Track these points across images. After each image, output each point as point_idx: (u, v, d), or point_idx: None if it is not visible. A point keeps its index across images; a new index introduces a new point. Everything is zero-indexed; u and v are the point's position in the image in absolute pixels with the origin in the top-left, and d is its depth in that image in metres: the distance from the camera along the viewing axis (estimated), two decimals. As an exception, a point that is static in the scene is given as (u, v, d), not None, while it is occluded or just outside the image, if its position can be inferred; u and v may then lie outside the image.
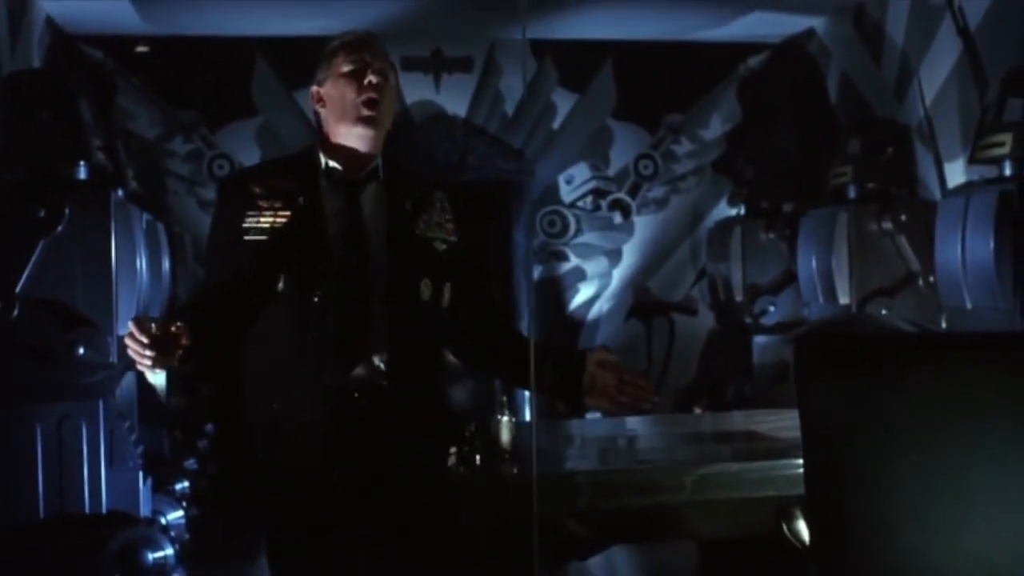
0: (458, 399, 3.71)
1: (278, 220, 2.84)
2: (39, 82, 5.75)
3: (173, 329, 2.74)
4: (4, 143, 5.52)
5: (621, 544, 4.62)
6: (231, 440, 7.70)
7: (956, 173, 7.44)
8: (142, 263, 5.82)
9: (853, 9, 9.13)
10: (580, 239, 10.41)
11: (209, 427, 8.25)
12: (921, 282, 7.15)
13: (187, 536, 5.97)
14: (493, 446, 3.52)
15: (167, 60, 9.44)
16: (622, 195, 10.42)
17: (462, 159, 10.18)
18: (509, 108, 10.29)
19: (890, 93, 8.53)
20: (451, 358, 3.28)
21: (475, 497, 3.13)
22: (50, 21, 8.76)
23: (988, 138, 6.13)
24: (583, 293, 10.42)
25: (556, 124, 10.37)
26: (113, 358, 5.23)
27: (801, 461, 2.84)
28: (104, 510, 5.26)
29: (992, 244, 5.84)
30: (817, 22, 9.70)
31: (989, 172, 6.39)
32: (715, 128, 10.48)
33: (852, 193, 7.63)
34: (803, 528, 2.93)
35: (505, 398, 3.63)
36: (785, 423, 3.99)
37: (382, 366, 2.85)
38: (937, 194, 7.54)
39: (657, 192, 10.44)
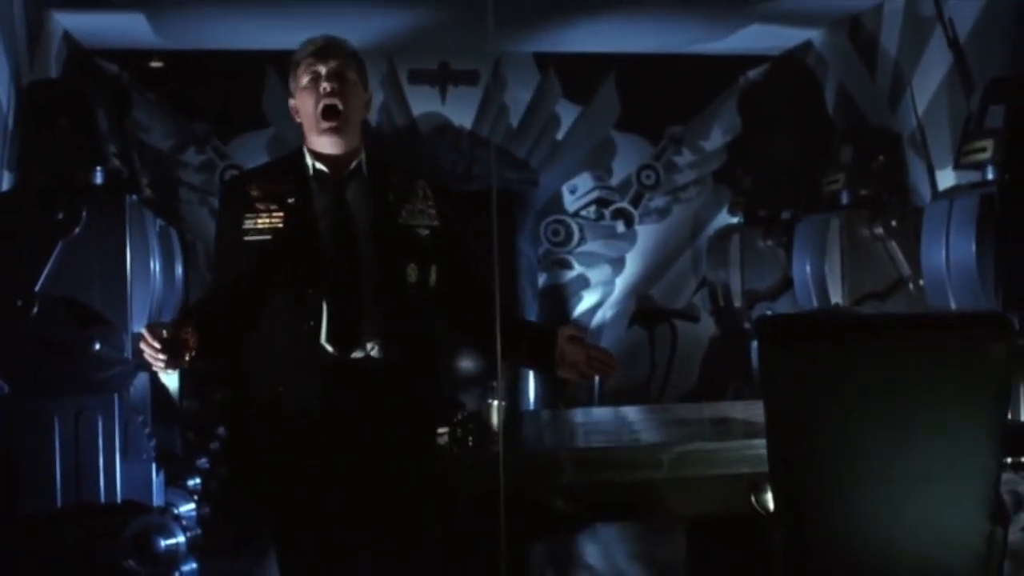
0: (452, 383, 3.91)
1: (273, 221, 3.08)
2: (57, 91, 6.01)
3: (183, 334, 2.98)
4: (24, 149, 5.77)
5: (605, 520, 4.82)
6: (240, 444, 7.91)
7: (948, 180, 7.63)
8: (156, 265, 6.05)
9: (849, 22, 9.35)
10: (584, 247, 10.64)
11: (220, 430, 8.47)
12: (911, 286, 7.35)
13: (199, 531, 6.19)
14: (485, 428, 3.75)
15: (181, 73, 9.68)
16: (625, 204, 10.65)
17: (468, 169, 10.41)
18: (514, 120, 10.54)
19: (884, 103, 8.74)
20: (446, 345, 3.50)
21: (464, 472, 3.35)
22: (67, 35, 9.02)
23: (971, 144, 6.34)
24: (587, 300, 10.64)
25: (560, 135, 10.61)
26: (128, 354, 5.47)
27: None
28: (119, 500, 5.50)
29: (974, 246, 6.05)
30: (815, 35, 9.92)
31: (975, 177, 6.61)
32: (716, 139, 10.71)
33: (845, 200, 7.84)
34: (770, 499, 3.13)
35: (496, 384, 3.86)
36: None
37: (376, 349, 3.07)
38: (928, 200, 7.74)
39: (659, 202, 10.66)
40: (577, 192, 10.65)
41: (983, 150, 6.19)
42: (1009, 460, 6.09)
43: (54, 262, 5.40)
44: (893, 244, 7.42)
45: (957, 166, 6.68)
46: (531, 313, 10.55)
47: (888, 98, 8.69)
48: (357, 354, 3.06)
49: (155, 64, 9.83)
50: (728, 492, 3.43)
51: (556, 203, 10.61)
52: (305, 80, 3.16)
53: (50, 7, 8.42)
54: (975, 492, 2.97)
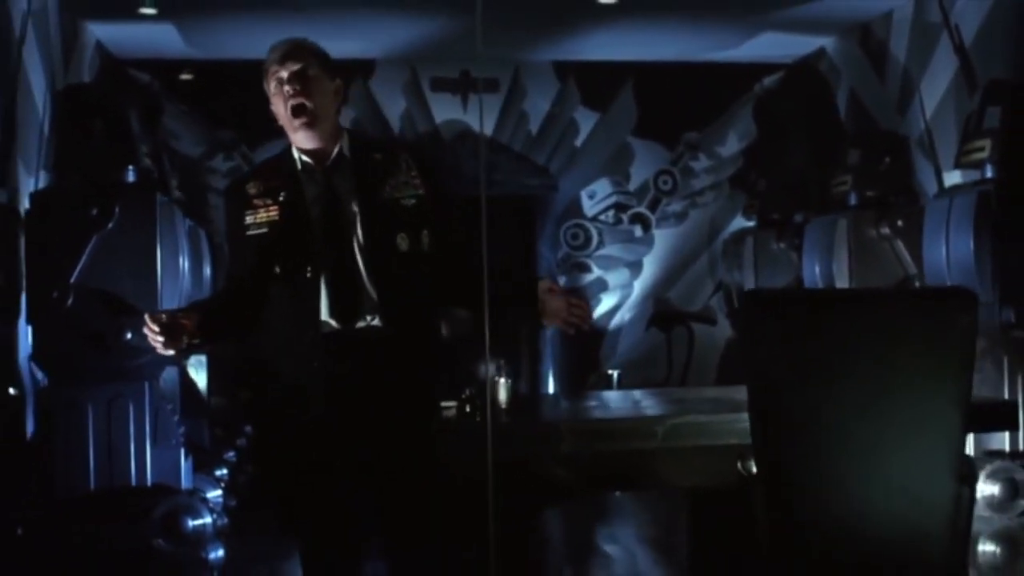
0: (459, 361, 4.13)
1: (269, 215, 3.34)
2: (91, 95, 6.32)
3: (180, 320, 3.27)
4: (60, 150, 6.08)
5: (604, 490, 5.06)
6: (264, 444, 8.15)
7: (955, 180, 7.81)
8: (185, 263, 6.33)
9: (860, 29, 9.56)
10: (602, 251, 10.87)
11: (247, 428, 8.73)
12: (917, 284, 7.54)
13: (225, 519, 6.43)
14: (492, 404, 3.98)
15: (209, 83, 9.97)
16: (642, 209, 10.88)
17: (489, 175, 10.66)
18: (534, 126, 10.79)
19: (894, 107, 8.95)
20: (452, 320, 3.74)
21: (467, 441, 3.58)
22: (99, 46, 9.33)
23: (971, 144, 6.56)
24: (605, 303, 10.86)
25: (579, 142, 10.85)
26: (157, 343, 5.72)
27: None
28: (149, 483, 5.77)
29: (972, 242, 6.26)
30: (827, 42, 10.13)
31: (976, 176, 6.81)
32: (732, 145, 10.92)
33: (852, 201, 8.04)
34: (754, 464, 3.35)
35: (502, 362, 4.10)
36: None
37: (375, 319, 3.32)
38: (933, 200, 7.94)
39: (676, 206, 10.89)
40: (596, 197, 10.88)
41: (981, 149, 6.40)
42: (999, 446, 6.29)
43: (88, 256, 5.69)
44: (899, 243, 7.62)
45: (957, 165, 6.89)
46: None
47: (897, 102, 8.90)
48: (358, 325, 3.31)
49: (185, 77, 10.13)
50: (719, 462, 3.64)
51: (575, 208, 10.85)
52: (273, 87, 3.40)
53: (84, 18, 8.73)
54: (943, 455, 3.18)
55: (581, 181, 10.84)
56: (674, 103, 10.63)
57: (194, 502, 5.62)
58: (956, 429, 3.15)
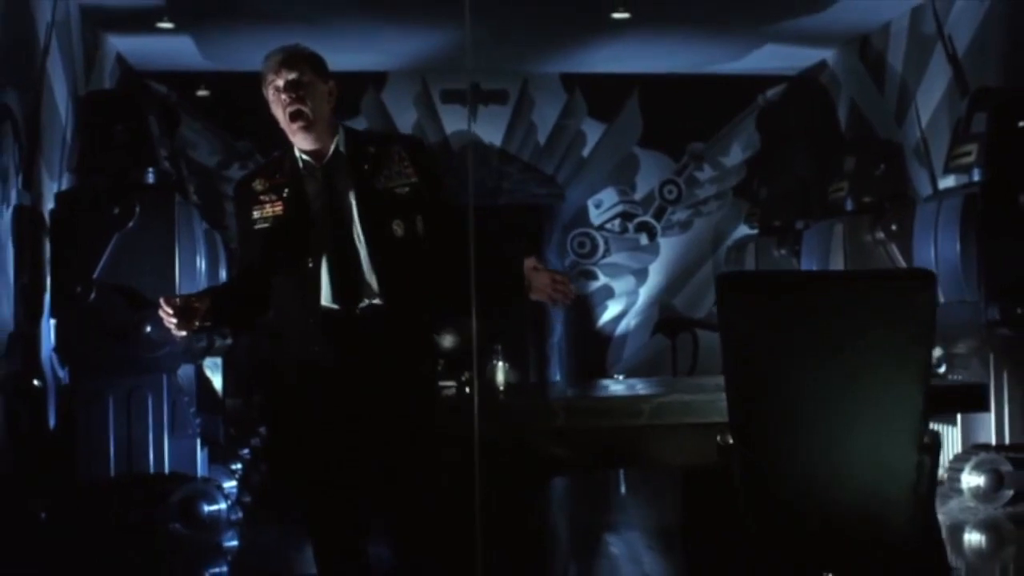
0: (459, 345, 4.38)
1: (274, 210, 3.61)
2: (113, 100, 6.60)
3: (193, 303, 3.54)
4: (83, 152, 6.36)
5: (595, 467, 5.28)
6: (275, 446, 8.40)
7: (949, 185, 8.05)
8: (202, 262, 6.59)
9: (859, 41, 9.81)
10: (609, 259, 11.12)
11: (262, 429, 8.98)
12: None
13: (239, 514, 6.67)
14: (490, 385, 4.24)
15: (226, 94, 10.25)
16: (648, 218, 11.13)
17: (497, 185, 10.93)
18: (541, 137, 11.06)
19: (891, 117, 9.19)
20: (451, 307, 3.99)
21: (464, 417, 3.82)
22: (120, 58, 9.64)
23: (958, 148, 6.79)
24: (612, 310, 11.11)
25: (585, 152, 11.13)
26: (176, 336, 5.98)
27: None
28: (166, 471, 6.02)
29: (958, 242, 6.48)
30: (828, 54, 10.38)
31: (965, 180, 7.04)
32: (735, 155, 11.18)
33: (849, 206, 8.28)
34: (731, 436, 3.59)
35: (500, 347, 4.36)
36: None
37: (373, 300, 3.57)
38: (927, 205, 8.16)
39: (681, 215, 11.13)
40: (602, 206, 11.14)
41: (969, 154, 6.63)
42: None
43: (110, 253, 5.96)
44: (893, 247, 7.84)
45: (947, 170, 7.12)
46: (557, 321, 11.05)
47: (895, 112, 9.14)
48: (362, 305, 3.56)
49: (202, 93, 10.42)
50: (704, 440, 3.87)
51: (582, 217, 11.11)
52: (271, 94, 3.66)
53: (104, 30, 9.03)
54: (905, 425, 3.40)
55: (588, 190, 11.11)
56: (679, 114, 10.89)
57: (209, 488, 5.87)
58: (917, 401, 3.38)
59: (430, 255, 3.68)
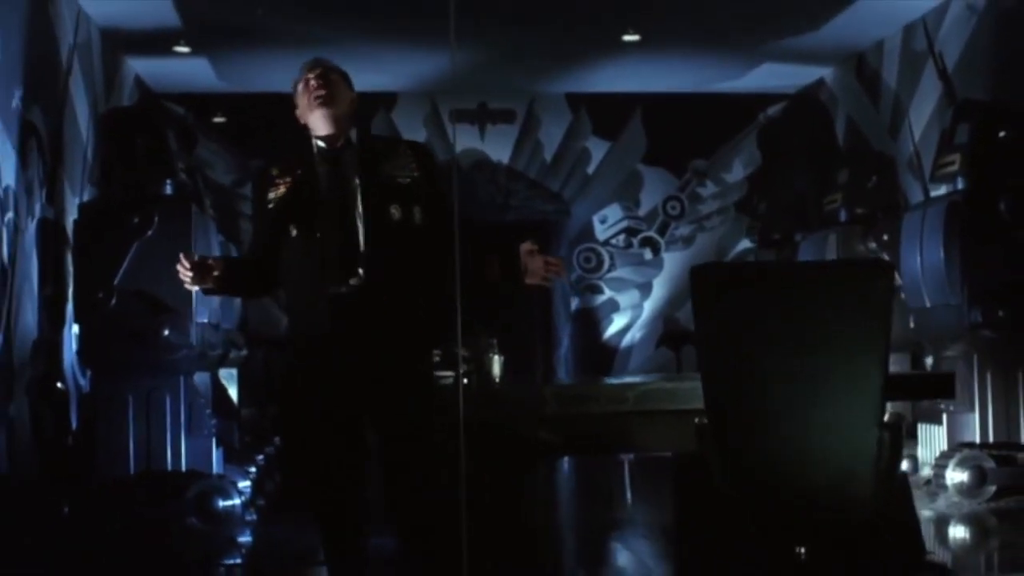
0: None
1: (287, 189, 3.97)
2: (132, 115, 6.93)
3: (209, 262, 3.93)
4: (104, 165, 6.69)
5: (584, 453, 5.54)
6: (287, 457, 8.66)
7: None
8: (217, 272, 6.88)
9: (855, 59, 10.09)
10: (614, 273, 11.40)
11: (276, 439, 9.25)
12: (903, 295, 8.01)
13: (254, 515, 6.93)
14: (486, 376, 4.53)
15: (241, 114, 10.58)
16: (652, 233, 11.41)
17: (505, 201, 11.24)
18: (548, 155, 11.38)
19: (886, 131, 9.46)
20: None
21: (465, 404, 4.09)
22: (138, 80, 9.97)
23: (943, 158, 7.06)
24: (617, 323, 11.38)
25: (591, 169, 11.43)
26: (193, 340, 6.30)
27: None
28: (183, 469, 6.30)
29: (942, 248, 6.74)
30: (826, 72, 10.67)
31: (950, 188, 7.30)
32: (737, 172, 11.46)
33: (842, 217, 8.54)
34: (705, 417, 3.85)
35: (495, 341, 4.65)
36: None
37: (368, 275, 3.90)
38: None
39: (684, 230, 11.41)
40: (607, 222, 11.43)
41: (952, 163, 6.89)
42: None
43: (130, 261, 6.26)
44: (884, 255, 8.07)
45: (932, 179, 7.39)
46: (564, 334, 11.33)
47: (889, 126, 9.41)
48: (354, 280, 3.89)
49: (218, 120, 10.77)
50: (687, 427, 4.13)
51: (587, 232, 11.40)
52: (300, 88, 4.04)
53: (124, 53, 9.37)
54: (866, 403, 3.65)
55: (593, 206, 11.40)
56: (682, 132, 11.18)
57: (224, 484, 6.15)
58: (877, 381, 3.64)
59: (426, 242, 3.99)
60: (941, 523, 6.27)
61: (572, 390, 4.34)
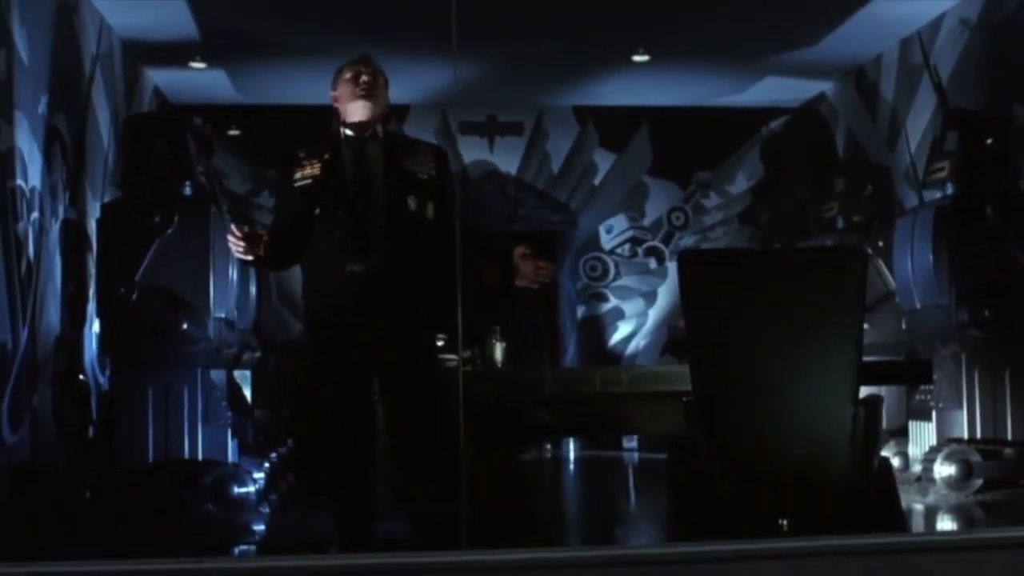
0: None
1: (314, 171, 4.28)
2: (153, 120, 7.23)
3: (259, 232, 4.26)
4: (126, 167, 6.98)
5: (582, 432, 5.79)
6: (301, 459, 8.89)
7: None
8: (233, 273, 7.16)
9: (855, 73, 10.35)
10: (619, 282, 11.67)
11: (289, 441, 9.49)
12: (897, 299, 8.25)
13: (267, 509, 7.17)
14: (489, 361, 4.79)
15: (258, 125, 10.87)
16: (657, 243, 11.66)
17: (513, 211, 11.52)
18: (555, 166, 11.66)
19: (884, 143, 9.71)
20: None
21: (469, 383, 4.36)
22: (157, 91, 10.27)
23: (933, 165, 7.31)
24: (622, 330, 11.64)
25: (597, 180, 11.70)
26: (210, 334, 6.57)
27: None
28: (200, 458, 6.57)
29: (931, 252, 6.99)
30: (827, 86, 10.93)
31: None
32: (740, 184, 11.72)
33: (840, 224, 8.80)
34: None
35: (498, 328, 4.92)
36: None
37: (381, 256, 4.19)
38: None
39: (688, 240, 11.65)
40: (613, 232, 11.69)
41: (942, 170, 7.15)
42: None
43: (150, 258, 6.54)
44: (880, 262, 8.33)
45: (924, 186, 7.64)
46: (570, 341, 11.59)
47: (887, 138, 9.66)
48: (367, 259, 4.21)
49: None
50: (674, 406, 4.39)
51: (594, 242, 11.67)
52: (349, 75, 4.35)
53: (143, 65, 9.67)
54: (841, 381, 3.90)
55: (599, 217, 11.67)
56: (686, 145, 11.42)
57: (239, 472, 6.41)
58: (852, 360, 3.90)
59: (436, 235, 4.29)
60: (929, 515, 6.48)
61: (569, 372, 4.62)
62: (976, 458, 6.68)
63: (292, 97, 10.43)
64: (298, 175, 4.32)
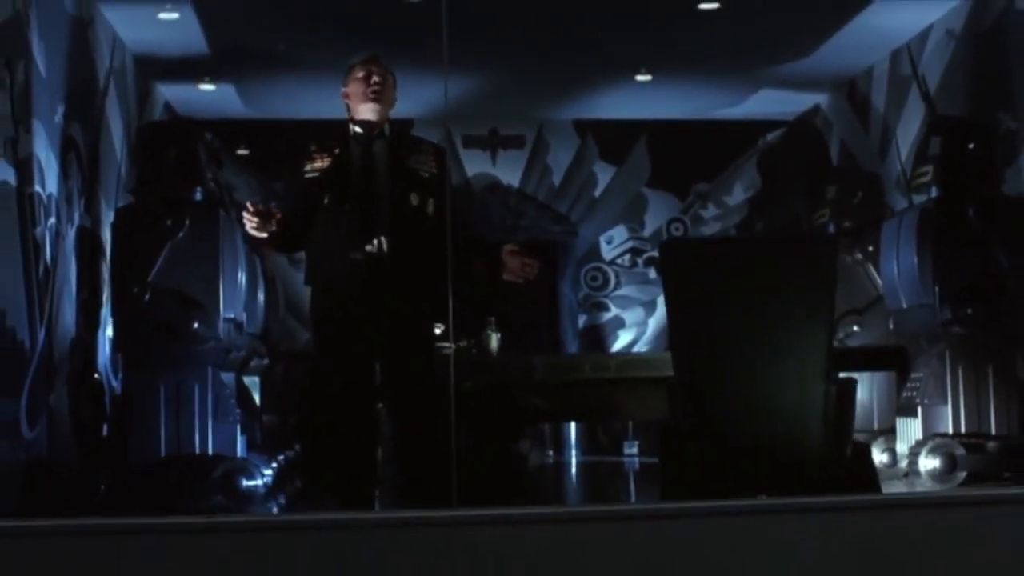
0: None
1: (324, 164, 4.56)
2: (166, 127, 7.51)
3: (272, 211, 4.53)
4: (140, 172, 7.27)
5: (574, 418, 6.02)
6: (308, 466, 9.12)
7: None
8: (242, 276, 7.42)
9: (848, 85, 10.60)
10: (619, 292, 11.90)
11: (297, 446, 9.72)
12: (885, 299, 8.48)
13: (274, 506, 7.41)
14: (484, 350, 5.04)
15: (265, 139, 11.14)
16: (656, 253, 11.88)
17: (515, 222, 11.77)
18: (556, 179, 11.92)
19: (875, 153, 9.95)
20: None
21: (465, 368, 4.61)
22: (168, 105, 10.55)
23: (918, 170, 7.56)
24: (622, 339, 11.86)
25: (597, 192, 11.96)
26: (220, 333, 6.83)
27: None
28: (210, 452, 6.81)
29: (915, 253, 7.22)
30: (821, 98, 11.18)
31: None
32: (738, 195, 11.96)
33: (831, 230, 9.03)
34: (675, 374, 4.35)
35: (493, 319, 5.17)
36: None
37: (383, 245, 4.45)
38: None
39: (687, 250, 11.89)
40: (613, 242, 11.94)
41: (926, 174, 7.39)
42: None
43: (162, 260, 6.81)
44: (870, 266, 8.57)
45: (910, 190, 7.88)
46: (571, 350, 11.81)
47: (878, 147, 9.90)
48: (370, 248, 4.46)
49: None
50: (659, 390, 4.63)
51: (594, 252, 11.92)
52: (360, 74, 4.64)
53: (155, 79, 9.95)
54: (814, 361, 4.14)
55: (600, 228, 11.91)
56: (685, 157, 11.65)
57: (248, 465, 6.65)
58: (823, 340, 4.15)
59: (433, 230, 4.56)
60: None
61: (560, 360, 4.87)
62: (960, 451, 6.88)
63: (300, 112, 10.69)
64: (308, 167, 4.62)
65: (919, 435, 7.24)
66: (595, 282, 11.89)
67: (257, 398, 9.12)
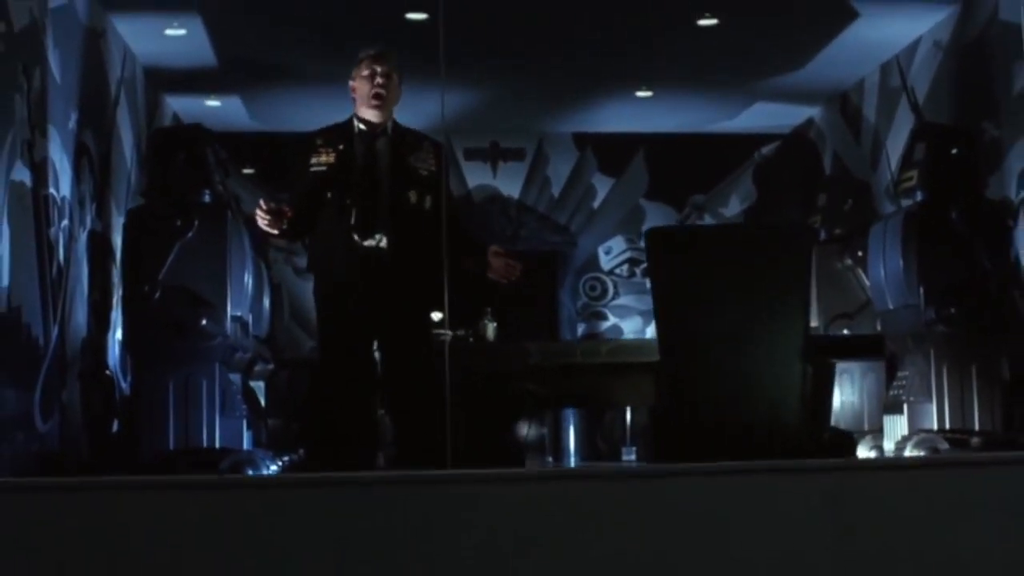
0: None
1: (328, 159, 4.78)
2: (176, 132, 7.75)
3: (283, 207, 4.81)
4: (150, 175, 7.51)
5: (567, 404, 6.23)
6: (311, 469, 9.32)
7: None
8: (249, 279, 7.64)
9: (840, 98, 10.85)
10: (618, 301, 12.12)
11: (301, 451, 9.92)
12: (872, 300, 8.67)
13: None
14: (481, 339, 5.27)
15: (271, 150, 11.38)
16: (654, 263, 12.12)
17: (515, 233, 12.01)
18: (556, 190, 12.16)
19: (867, 163, 10.19)
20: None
21: (462, 354, 4.83)
22: (176, 117, 10.80)
23: (903, 175, 7.78)
24: (621, 348, 12.08)
25: (596, 204, 12.20)
26: (227, 331, 7.05)
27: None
28: (217, 446, 7.02)
29: (900, 256, 7.44)
30: (815, 111, 11.42)
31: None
32: (734, 206, 12.19)
33: (822, 236, 9.26)
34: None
35: (490, 310, 5.40)
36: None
37: (384, 239, 4.69)
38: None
39: (684, 261, 12.11)
40: (611, 253, 12.17)
41: (911, 179, 7.61)
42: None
43: (172, 259, 7.03)
44: (859, 272, 8.78)
45: (895, 193, 8.10)
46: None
47: (870, 158, 10.14)
48: (370, 242, 4.69)
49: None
50: (648, 375, 4.86)
51: (593, 262, 12.15)
52: (365, 72, 4.87)
53: (163, 91, 10.21)
54: (791, 342, 4.37)
55: (598, 238, 12.15)
56: (682, 170, 11.92)
57: (254, 456, 6.86)
58: (800, 324, 4.38)
59: (431, 225, 4.79)
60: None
61: (553, 345, 5.09)
62: (944, 446, 7.08)
63: (305, 124, 10.90)
64: (314, 160, 4.86)
65: (905, 431, 7.44)
66: (594, 292, 12.11)
67: (262, 402, 9.35)
